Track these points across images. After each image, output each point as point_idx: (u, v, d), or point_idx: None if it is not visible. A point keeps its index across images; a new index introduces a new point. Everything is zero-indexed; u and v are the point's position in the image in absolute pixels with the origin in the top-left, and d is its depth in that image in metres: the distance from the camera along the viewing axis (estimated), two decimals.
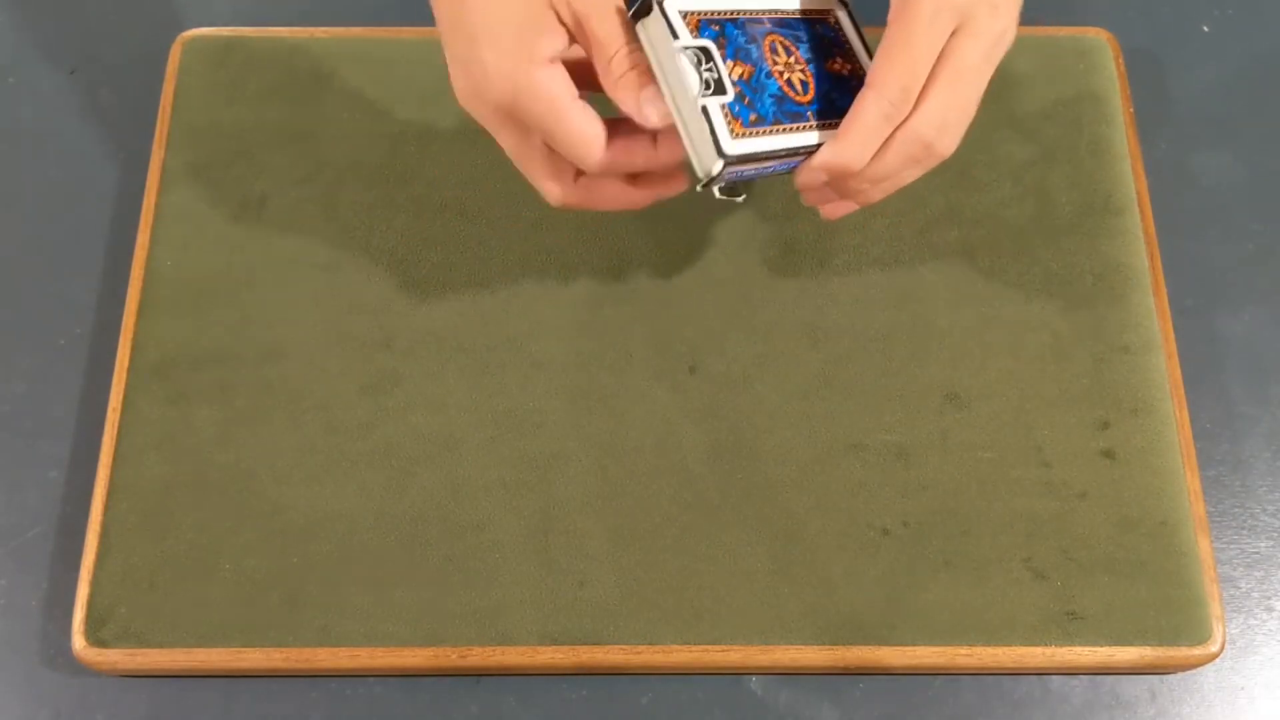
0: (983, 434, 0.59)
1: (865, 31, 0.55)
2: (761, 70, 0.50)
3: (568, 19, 0.48)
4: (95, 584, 0.56)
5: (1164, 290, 0.62)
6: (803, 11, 0.54)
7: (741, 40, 0.50)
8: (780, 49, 0.51)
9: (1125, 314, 0.61)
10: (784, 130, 0.50)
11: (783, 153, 0.50)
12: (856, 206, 0.53)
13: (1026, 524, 0.57)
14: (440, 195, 0.64)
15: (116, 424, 0.59)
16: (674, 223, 0.63)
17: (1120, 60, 0.68)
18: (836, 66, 0.53)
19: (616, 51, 0.48)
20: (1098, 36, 0.68)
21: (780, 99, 0.50)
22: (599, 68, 0.48)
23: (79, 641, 0.55)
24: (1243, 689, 0.57)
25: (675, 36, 0.48)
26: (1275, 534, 0.60)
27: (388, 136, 0.65)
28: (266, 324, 0.61)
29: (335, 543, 0.56)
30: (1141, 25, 0.72)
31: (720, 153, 0.48)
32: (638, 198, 0.53)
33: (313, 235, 0.63)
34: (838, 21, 0.54)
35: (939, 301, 0.62)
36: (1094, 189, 0.64)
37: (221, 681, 0.56)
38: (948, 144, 0.50)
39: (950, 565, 0.56)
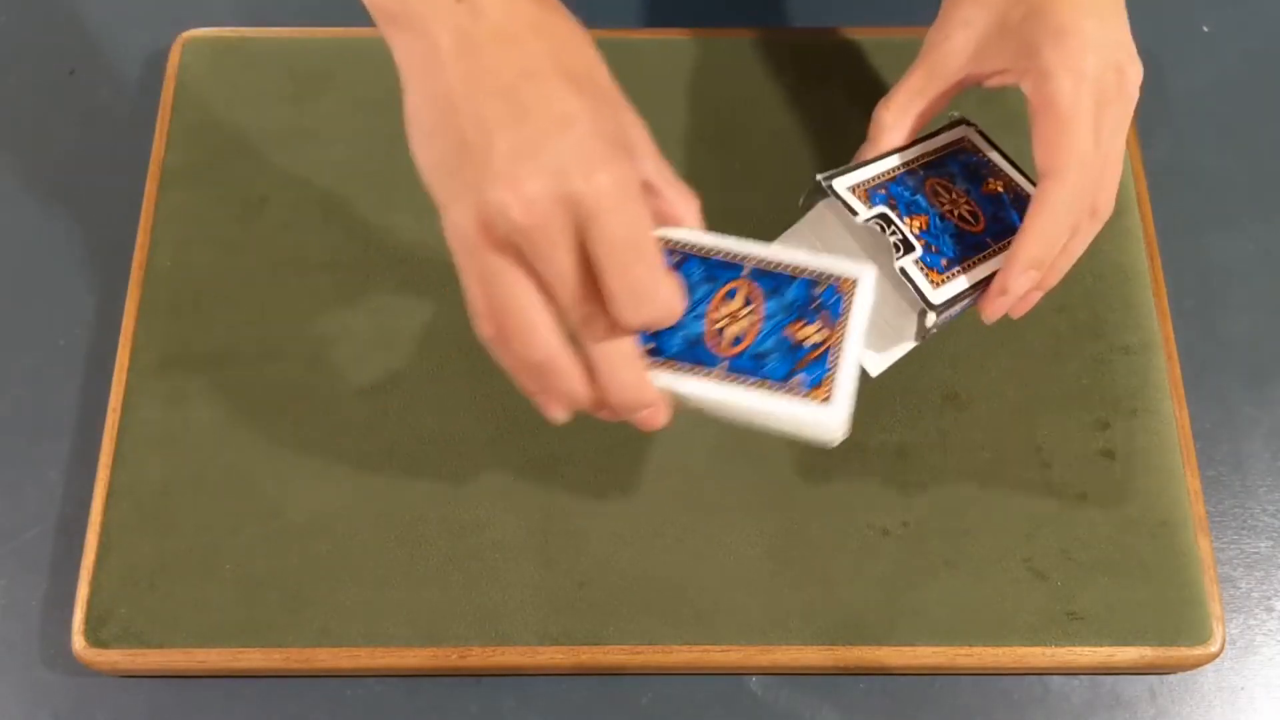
0: (983, 434, 0.59)
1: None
2: (934, 215, 0.53)
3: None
4: (95, 584, 0.55)
5: (1164, 290, 0.62)
6: (944, 147, 0.57)
7: (908, 195, 0.53)
8: (941, 190, 0.54)
9: (1125, 314, 0.61)
10: (973, 264, 0.52)
11: (980, 284, 0.52)
12: (1040, 295, 0.53)
13: (1026, 524, 0.57)
14: None
15: (116, 424, 0.58)
16: None
17: None
18: (991, 187, 0.55)
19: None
20: None
21: (959, 235, 0.53)
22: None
23: (79, 641, 0.55)
24: (1243, 689, 0.57)
25: (855, 213, 0.51)
26: (1275, 534, 0.60)
27: (388, 136, 0.65)
28: (266, 324, 0.61)
29: (335, 543, 0.56)
30: (1141, 25, 0.72)
31: (930, 305, 0.50)
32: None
33: (313, 235, 0.63)
34: (974, 144, 0.57)
35: None
36: None
37: (221, 681, 0.56)
38: (1110, 204, 0.51)
39: (950, 565, 0.56)
